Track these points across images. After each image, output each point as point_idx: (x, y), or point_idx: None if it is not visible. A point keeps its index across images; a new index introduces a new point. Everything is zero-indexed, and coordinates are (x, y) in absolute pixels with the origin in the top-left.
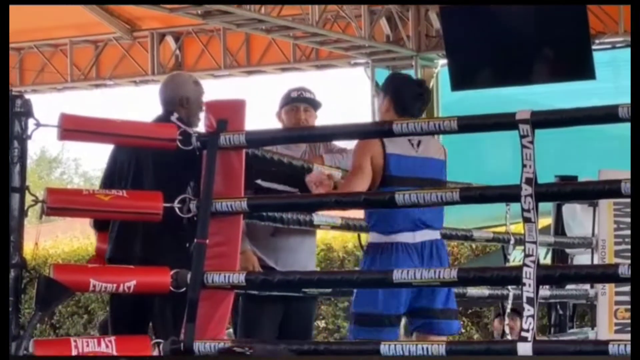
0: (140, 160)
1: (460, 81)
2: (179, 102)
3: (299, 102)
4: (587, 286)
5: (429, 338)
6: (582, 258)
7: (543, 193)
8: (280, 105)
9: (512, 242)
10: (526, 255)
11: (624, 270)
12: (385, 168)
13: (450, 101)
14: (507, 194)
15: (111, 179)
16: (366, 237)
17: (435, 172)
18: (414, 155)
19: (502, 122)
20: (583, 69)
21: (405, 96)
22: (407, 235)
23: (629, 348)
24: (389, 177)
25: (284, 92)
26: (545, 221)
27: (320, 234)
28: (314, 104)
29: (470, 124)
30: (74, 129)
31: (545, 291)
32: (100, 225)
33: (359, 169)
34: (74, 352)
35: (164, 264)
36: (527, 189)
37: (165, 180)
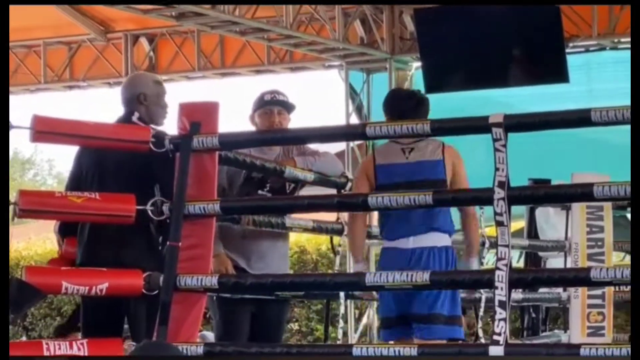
0: (104, 163)
1: (434, 84)
2: (137, 100)
3: (272, 105)
4: (560, 289)
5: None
6: (555, 261)
7: (516, 196)
8: (253, 108)
9: (486, 245)
10: (498, 259)
11: (597, 273)
12: (375, 179)
13: None
14: (479, 197)
15: (76, 182)
16: (338, 240)
17: (428, 173)
18: (404, 162)
19: (475, 125)
20: (557, 72)
21: (404, 110)
22: (402, 241)
23: (600, 351)
24: (379, 186)
25: (257, 95)
26: (519, 224)
27: (293, 236)
28: (288, 107)
29: (442, 127)
30: (47, 130)
31: (518, 294)
32: (66, 231)
33: (356, 189)
34: (45, 354)
35: (136, 266)
36: (499, 193)
37: (128, 183)
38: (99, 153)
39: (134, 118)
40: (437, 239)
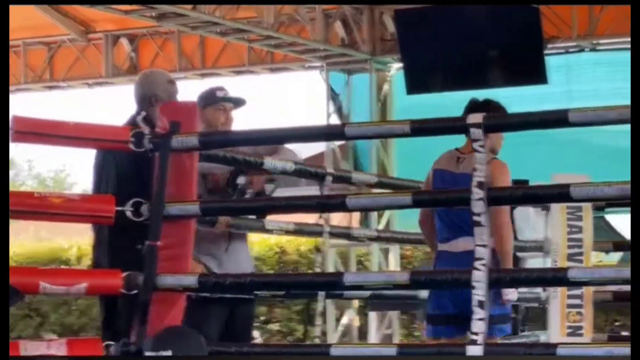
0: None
1: (415, 85)
2: (149, 101)
3: (226, 102)
4: (539, 289)
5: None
6: (534, 262)
7: (494, 197)
8: (203, 104)
9: None
10: (477, 259)
11: (575, 274)
12: (432, 183)
13: (405, 105)
14: (458, 198)
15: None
16: (321, 241)
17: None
18: (454, 171)
19: (454, 126)
20: (536, 74)
21: None
22: (449, 244)
23: (577, 350)
24: (434, 189)
25: (204, 91)
26: None
27: (273, 237)
28: (240, 103)
29: (422, 128)
30: (27, 131)
31: None
32: None
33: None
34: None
35: (116, 266)
36: (478, 193)
37: (118, 184)
38: (115, 159)
39: (139, 118)
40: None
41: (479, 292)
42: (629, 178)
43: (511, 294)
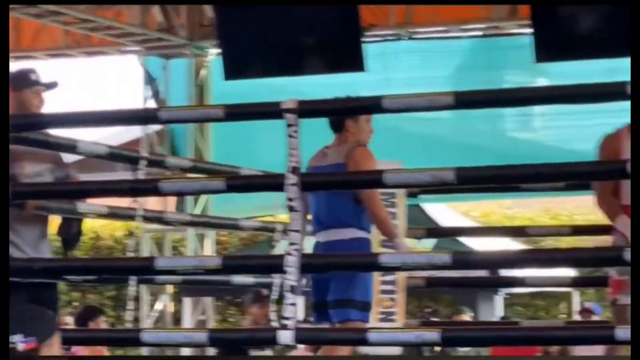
0: None
1: (233, 70)
2: None
3: (39, 85)
4: None
5: None
6: None
7: (308, 182)
8: (15, 87)
9: (279, 230)
10: (290, 244)
11: (386, 259)
12: None
13: (223, 91)
14: (272, 183)
15: None
16: (135, 226)
17: None
18: (320, 165)
19: (268, 111)
20: (353, 61)
21: None
22: (317, 235)
23: (387, 335)
24: None
25: (15, 74)
26: None
27: (88, 222)
28: (52, 86)
29: (236, 113)
30: None
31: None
32: None
33: None
34: None
35: None
36: (292, 178)
37: None
38: None
39: None
40: (336, 230)
41: (291, 277)
42: (441, 165)
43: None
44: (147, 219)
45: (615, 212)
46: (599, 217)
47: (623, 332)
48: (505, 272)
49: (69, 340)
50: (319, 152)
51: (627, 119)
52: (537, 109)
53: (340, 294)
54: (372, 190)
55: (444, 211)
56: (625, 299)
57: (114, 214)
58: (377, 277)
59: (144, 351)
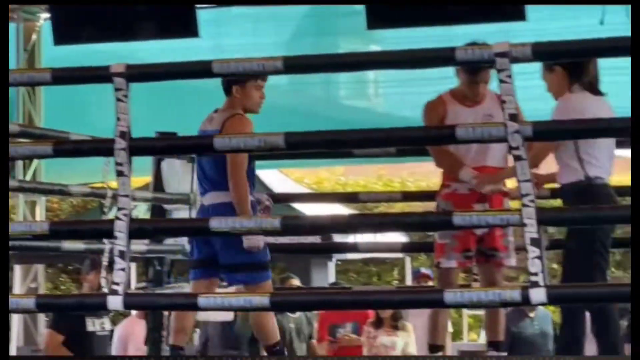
0: None
1: (63, 35)
2: None
3: None
4: (185, 241)
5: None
6: (181, 214)
7: (137, 147)
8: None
9: (109, 195)
10: (119, 209)
11: (216, 224)
12: None
13: (55, 56)
14: (101, 148)
15: None
16: None
17: None
18: (206, 129)
19: (97, 75)
20: (186, 27)
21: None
22: (202, 198)
23: (217, 300)
24: None
25: None
26: (147, 179)
27: None
28: None
29: (64, 76)
30: None
31: (142, 246)
32: None
33: None
34: None
35: None
36: (121, 143)
37: None
38: None
39: None
40: (217, 193)
41: (120, 242)
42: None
43: (250, 241)
44: None
45: (458, 165)
46: (430, 183)
47: (452, 295)
48: (337, 239)
49: None
50: (208, 116)
51: (451, 86)
52: (371, 76)
53: (242, 257)
54: (235, 156)
55: (277, 177)
56: (447, 263)
57: None
58: None
59: None
